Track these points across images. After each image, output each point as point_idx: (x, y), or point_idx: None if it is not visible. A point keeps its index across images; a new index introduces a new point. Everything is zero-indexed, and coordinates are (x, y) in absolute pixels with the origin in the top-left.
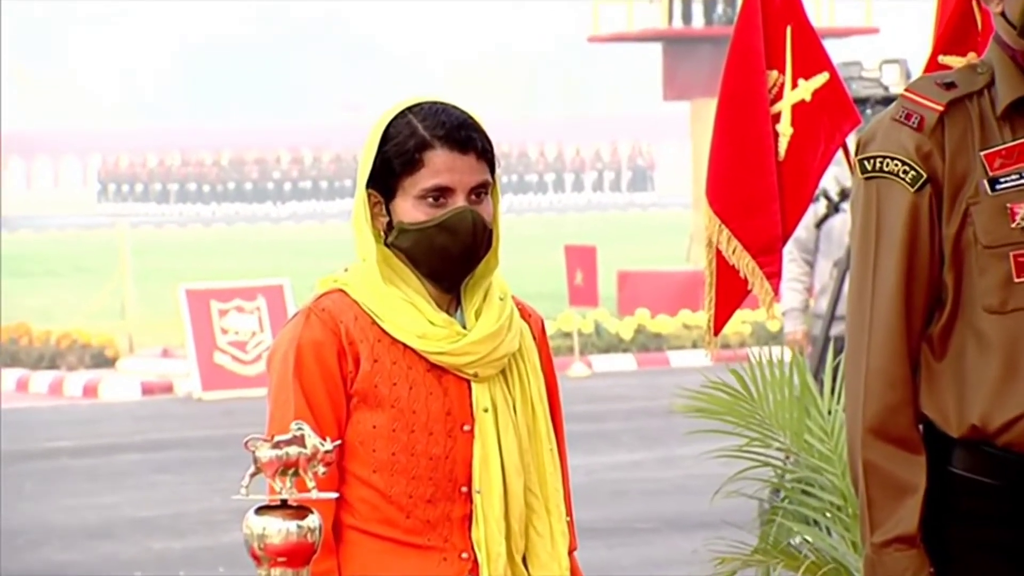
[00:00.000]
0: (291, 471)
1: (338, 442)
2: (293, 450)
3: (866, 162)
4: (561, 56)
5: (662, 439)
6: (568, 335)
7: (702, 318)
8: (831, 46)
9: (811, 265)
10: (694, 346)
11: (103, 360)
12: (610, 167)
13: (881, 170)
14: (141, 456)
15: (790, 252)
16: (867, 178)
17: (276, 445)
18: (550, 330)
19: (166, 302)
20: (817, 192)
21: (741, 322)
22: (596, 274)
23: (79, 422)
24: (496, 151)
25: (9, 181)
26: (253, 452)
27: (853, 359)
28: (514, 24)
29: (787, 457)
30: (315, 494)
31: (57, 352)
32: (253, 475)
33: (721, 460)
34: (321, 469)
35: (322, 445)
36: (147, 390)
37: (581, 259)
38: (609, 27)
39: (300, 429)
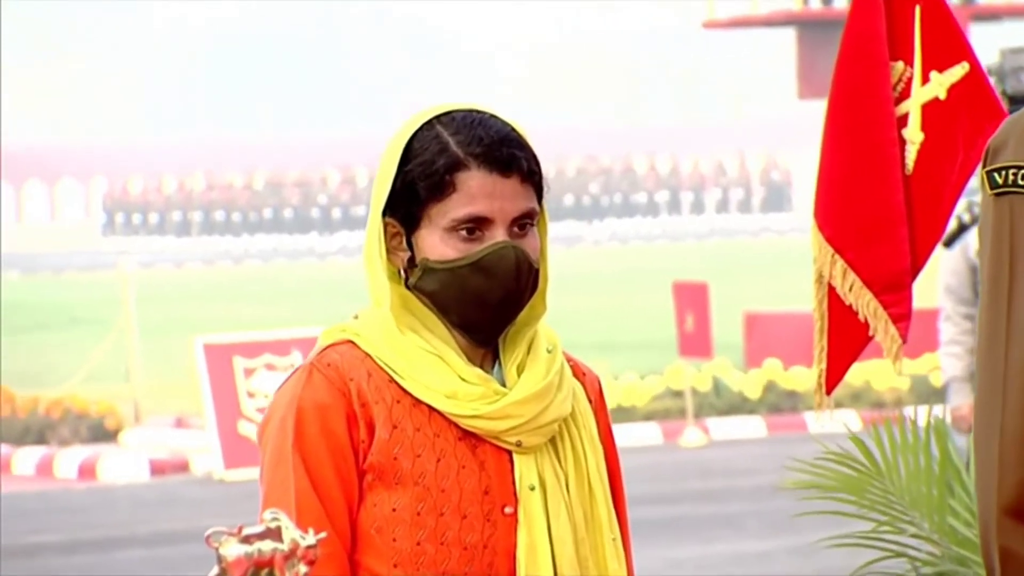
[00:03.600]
0: (264, 572)
1: (322, 535)
2: (266, 546)
3: (996, 175)
4: (671, 47)
5: (796, 524)
6: (679, 394)
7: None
8: (994, 30)
9: (972, 319)
10: (838, 406)
11: (103, 433)
12: (737, 183)
13: (1016, 184)
14: (146, 552)
15: (943, 310)
16: (997, 194)
17: (245, 540)
18: (658, 388)
19: (180, 360)
20: (969, 215)
21: (897, 375)
22: (708, 317)
23: (71, 510)
24: (594, 165)
25: None
26: (216, 549)
27: (984, 422)
28: (613, 10)
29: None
30: None
31: (46, 424)
32: None
33: (863, 550)
34: (303, 569)
35: (303, 539)
36: (156, 469)
37: (691, 299)
38: (729, 9)
39: (276, 519)
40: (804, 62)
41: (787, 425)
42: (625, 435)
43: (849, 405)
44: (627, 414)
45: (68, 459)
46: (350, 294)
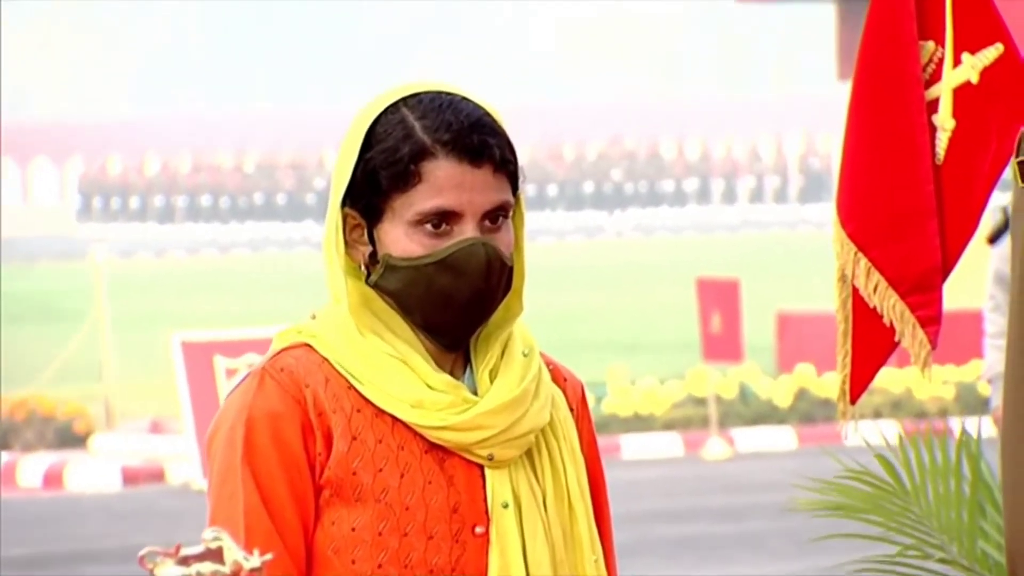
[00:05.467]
0: None
1: (268, 556)
2: (206, 568)
3: None
4: (704, 21)
5: (823, 545)
6: (702, 401)
7: (888, 376)
8: None
9: None
10: (877, 416)
11: (71, 438)
12: (773, 170)
13: None
14: (117, 569)
15: (992, 298)
16: None
17: (183, 561)
18: (679, 394)
19: (157, 358)
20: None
21: (942, 383)
22: (739, 318)
23: (35, 522)
24: (618, 149)
25: None
26: (151, 571)
27: (1014, 434)
28: None
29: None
30: None
31: (9, 427)
32: None
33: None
34: None
35: (247, 561)
36: (129, 478)
37: (719, 297)
38: None
39: (217, 539)
40: (844, 41)
41: (820, 436)
42: (643, 446)
43: (889, 415)
44: (645, 423)
45: (32, 466)
46: None
